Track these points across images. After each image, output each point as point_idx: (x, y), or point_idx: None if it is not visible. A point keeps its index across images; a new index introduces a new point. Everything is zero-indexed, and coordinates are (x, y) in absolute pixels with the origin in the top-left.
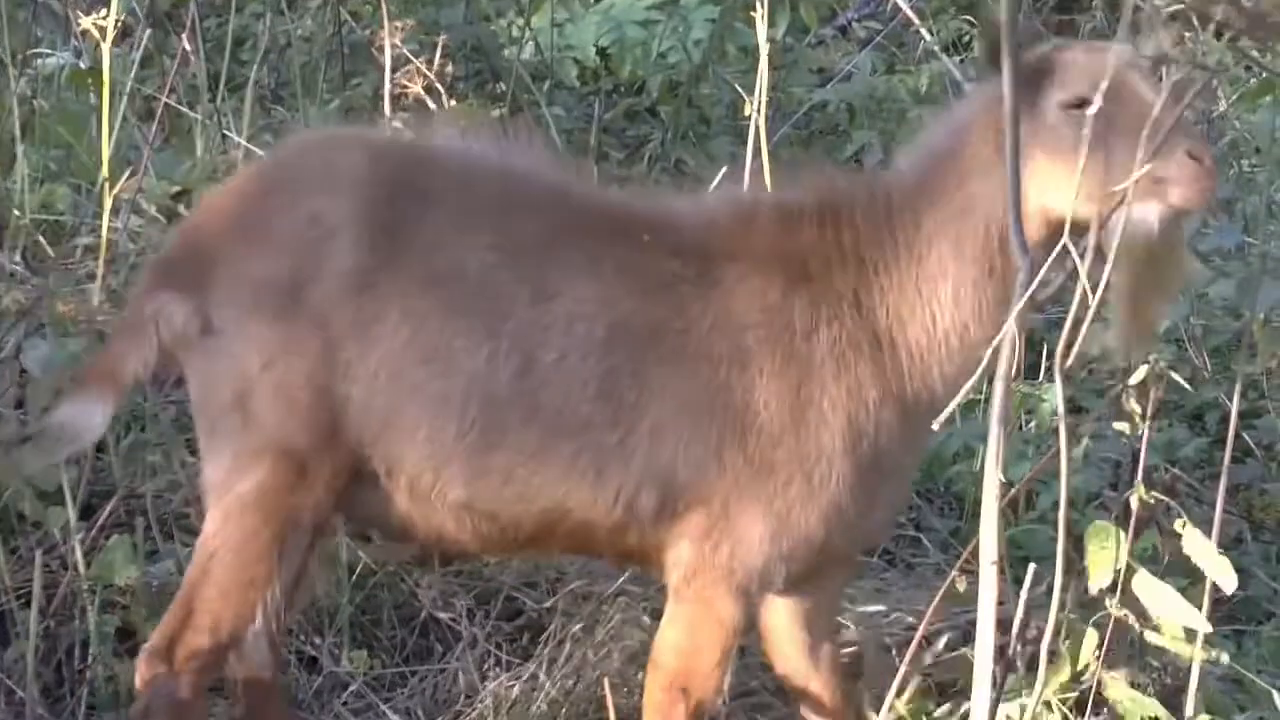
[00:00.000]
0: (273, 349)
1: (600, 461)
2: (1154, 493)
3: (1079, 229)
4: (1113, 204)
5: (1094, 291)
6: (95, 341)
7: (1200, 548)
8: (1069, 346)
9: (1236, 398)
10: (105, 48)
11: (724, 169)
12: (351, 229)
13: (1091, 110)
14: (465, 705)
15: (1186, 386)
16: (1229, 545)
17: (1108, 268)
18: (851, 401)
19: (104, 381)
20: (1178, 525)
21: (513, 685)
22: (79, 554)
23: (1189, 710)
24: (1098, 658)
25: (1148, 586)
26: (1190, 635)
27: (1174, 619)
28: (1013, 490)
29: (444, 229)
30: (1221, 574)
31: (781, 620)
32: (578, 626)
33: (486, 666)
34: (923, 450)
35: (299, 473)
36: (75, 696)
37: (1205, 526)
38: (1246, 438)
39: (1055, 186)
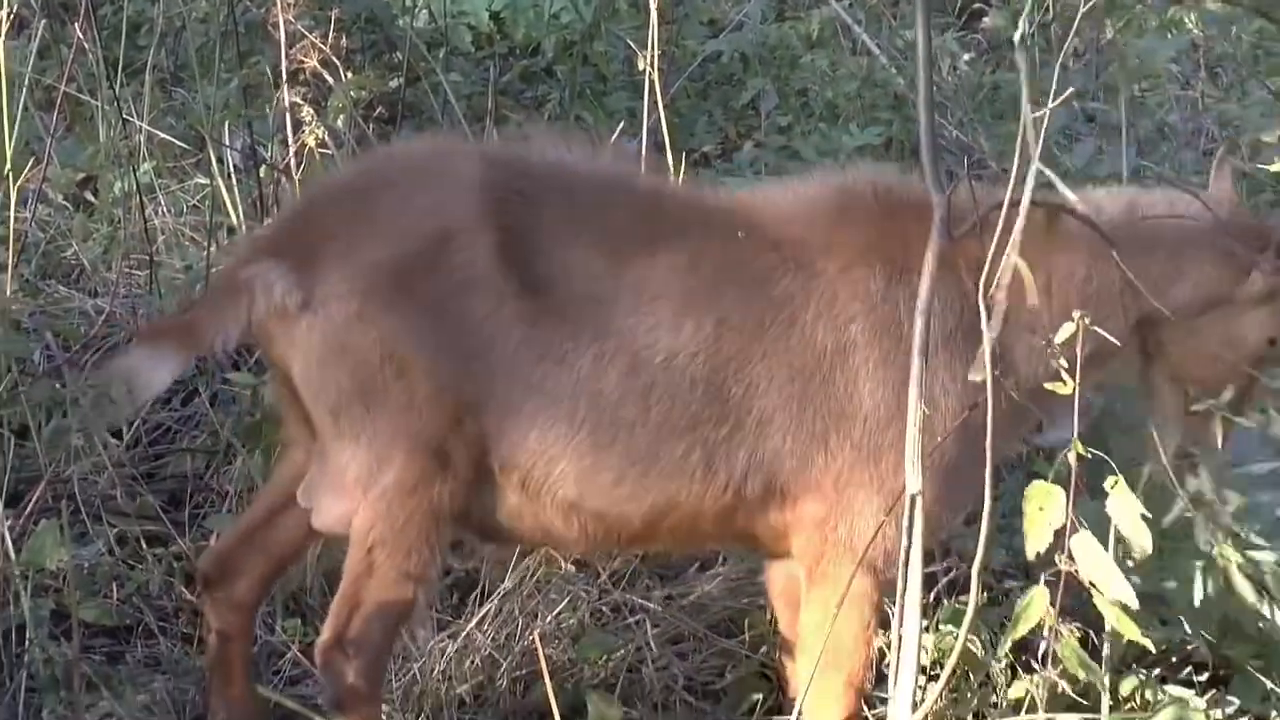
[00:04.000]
0: (391, 339)
1: (709, 456)
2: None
3: None
4: None
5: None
6: (11, 331)
7: (1124, 508)
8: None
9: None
10: (0, 41)
11: (621, 124)
12: (469, 229)
13: None
14: (401, 665)
15: (1107, 336)
16: None
17: None
18: (964, 388)
19: (180, 338)
20: (1108, 483)
21: (446, 644)
22: (8, 541)
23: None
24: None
25: (1085, 549)
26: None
27: (1107, 586)
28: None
29: (549, 234)
30: (1139, 539)
31: (782, 582)
32: (506, 583)
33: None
34: (1019, 438)
35: (439, 462)
36: (14, 681)
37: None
38: None
39: None
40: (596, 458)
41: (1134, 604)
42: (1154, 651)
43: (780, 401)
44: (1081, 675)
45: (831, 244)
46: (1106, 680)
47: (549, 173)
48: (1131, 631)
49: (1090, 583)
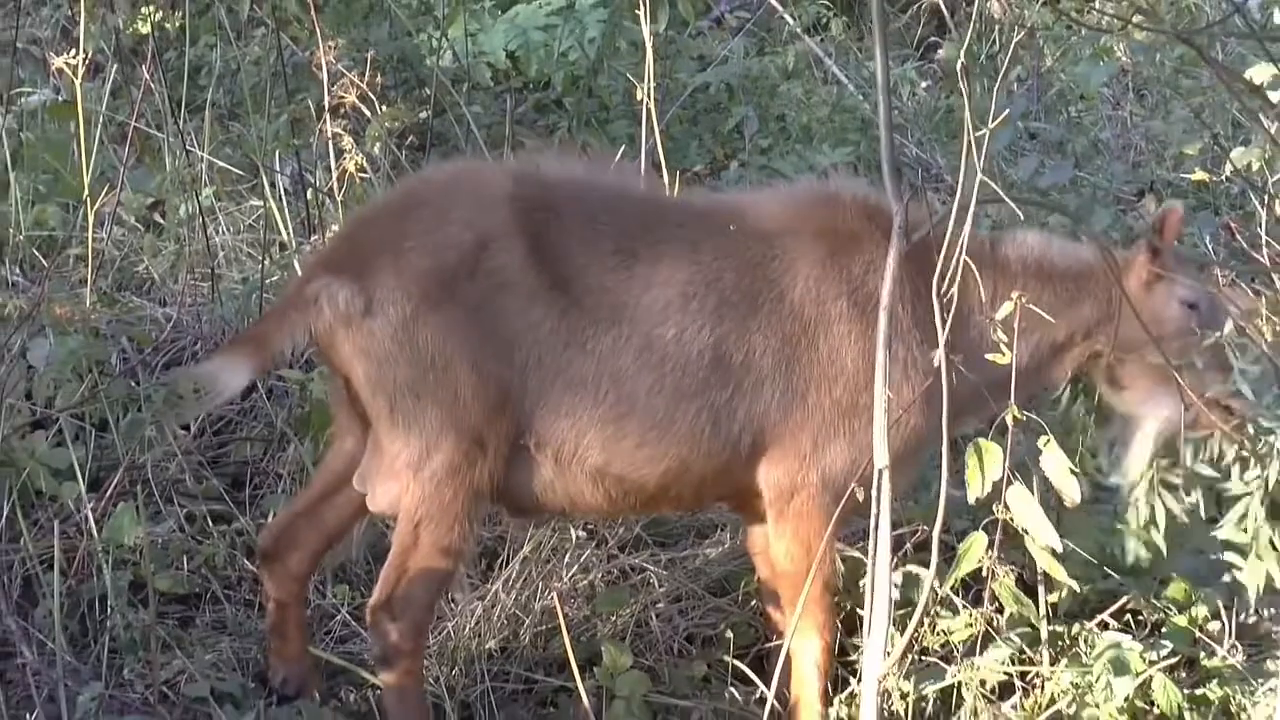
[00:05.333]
0: (440, 337)
1: (715, 417)
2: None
3: None
4: None
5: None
6: (91, 337)
7: (1054, 463)
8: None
9: None
10: (78, 83)
11: (622, 148)
12: (502, 236)
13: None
14: (437, 624)
15: (1044, 315)
16: None
17: None
18: (931, 367)
19: (253, 348)
20: (1041, 441)
21: (476, 604)
22: (91, 521)
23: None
24: (989, 556)
25: (1018, 499)
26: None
27: (1036, 532)
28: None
29: (571, 237)
30: (1068, 490)
31: (760, 542)
32: (525, 549)
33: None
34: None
35: (479, 447)
36: (98, 644)
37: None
38: None
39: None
40: (619, 425)
41: (1059, 548)
42: (1078, 592)
43: (771, 365)
44: (1016, 610)
45: (820, 232)
46: (1045, 621)
47: (565, 184)
48: (1058, 572)
49: (1023, 529)
